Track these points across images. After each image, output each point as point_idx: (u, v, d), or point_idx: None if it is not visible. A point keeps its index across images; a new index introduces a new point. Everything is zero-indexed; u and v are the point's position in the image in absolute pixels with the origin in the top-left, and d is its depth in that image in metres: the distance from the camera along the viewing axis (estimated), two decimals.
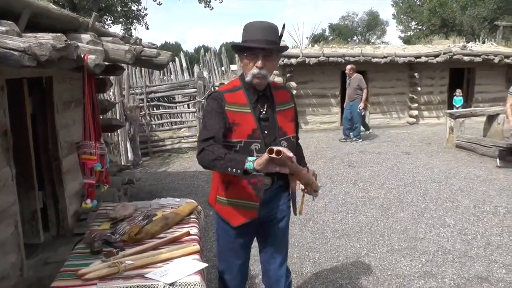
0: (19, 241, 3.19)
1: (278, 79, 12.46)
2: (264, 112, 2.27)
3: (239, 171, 1.97)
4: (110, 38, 3.57)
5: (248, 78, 2.22)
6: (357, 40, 43.45)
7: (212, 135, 2.14)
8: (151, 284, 1.95)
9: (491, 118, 9.95)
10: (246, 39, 2.18)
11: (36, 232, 3.90)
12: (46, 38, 2.13)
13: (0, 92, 3.01)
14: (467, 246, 4.43)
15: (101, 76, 4.99)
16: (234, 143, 2.22)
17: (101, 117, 5.14)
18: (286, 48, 2.32)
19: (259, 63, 2.14)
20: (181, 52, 14.49)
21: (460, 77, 14.68)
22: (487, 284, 3.65)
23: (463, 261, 4.08)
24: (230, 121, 2.21)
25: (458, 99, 13.72)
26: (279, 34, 2.22)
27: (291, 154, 1.88)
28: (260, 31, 2.16)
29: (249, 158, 1.96)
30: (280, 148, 1.83)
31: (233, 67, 16.51)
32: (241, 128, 2.21)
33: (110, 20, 22.47)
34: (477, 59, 13.04)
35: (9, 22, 2.10)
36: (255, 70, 2.16)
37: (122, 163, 8.92)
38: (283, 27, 2.25)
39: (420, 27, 34.95)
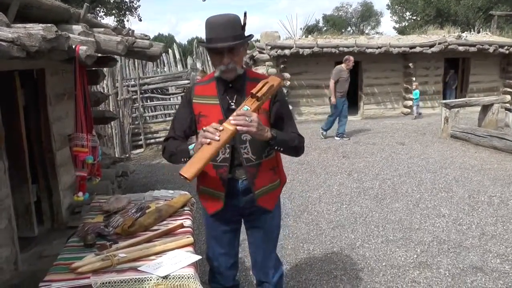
0: (13, 234, 3.17)
1: (272, 70, 12.43)
2: (232, 104, 2.25)
3: (187, 159, 2.15)
4: (102, 29, 3.53)
5: (217, 74, 2.24)
6: (351, 31, 43.30)
7: (172, 135, 2.37)
8: (145, 277, 1.94)
9: (485, 108, 9.99)
10: (209, 37, 2.16)
11: (30, 225, 3.88)
12: (36, 29, 2.09)
13: None
14: (462, 236, 4.44)
15: (93, 68, 4.95)
16: None
17: (94, 109, 5.10)
18: (250, 37, 2.26)
19: (224, 60, 2.14)
20: (175, 43, 14.39)
21: (455, 67, 14.71)
22: (482, 273, 3.67)
23: (458, 251, 4.10)
24: (196, 113, 2.31)
25: (415, 92, 12.84)
26: (242, 23, 2.18)
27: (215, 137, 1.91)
28: (222, 28, 2.12)
29: (190, 147, 2.14)
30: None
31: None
32: (208, 119, 2.23)
33: (102, 12, 22.27)
34: (472, 49, 13.04)
35: None
36: (222, 67, 2.17)
37: (116, 155, 8.90)
38: (245, 16, 2.20)
39: (414, 18, 34.90)
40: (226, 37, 2.10)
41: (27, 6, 2.60)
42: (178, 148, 2.24)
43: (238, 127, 1.93)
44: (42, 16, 2.85)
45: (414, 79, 13.26)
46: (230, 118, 1.96)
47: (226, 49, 2.12)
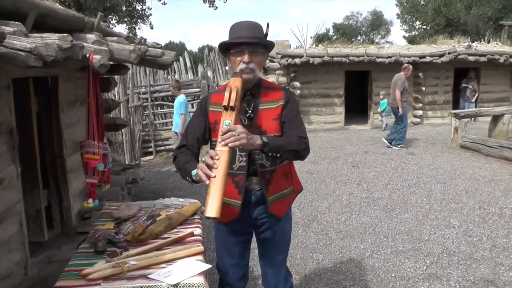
0: (23, 239, 3.20)
1: (282, 79, 12.46)
2: (249, 111, 2.28)
3: (190, 179, 2.14)
4: (115, 38, 3.58)
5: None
6: (361, 40, 43.20)
7: (184, 143, 2.37)
8: (155, 285, 1.95)
9: (496, 118, 9.92)
10: (231, 38, 2.23)
11: (40, 230, 3.91)
12: (52, 39, 2.13)
13: (6, 91, 3.02)
14: (472, 248, 4.40)
15: (105, 76, 5.00)
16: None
17: (105, 116, 5.14)
18: (271, 43, 2.31)
19: (245, 58, 2.18)
20: (185, 51, 14.52)
21: (465, 77, 14.63)
22: (494, 287, 3.63)
23: (468, 263, 4.06)
24: (212, 121, 2.31)
25: (382, 102, 12.48)
26: (264, 33, 2.26)
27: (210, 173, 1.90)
28: (245, 29, 2.21)
29: (193, 173, 2.07)
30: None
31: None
32: None
33: (115, 19, 22.51)
34: (482, 58, 12.96)
35: (16, 23, 2.11)
36: (242, 65, 2.19)
37: (126, 162, 8.94)
38: (267, 26, 2.28)
39: (424, 27, 34.78)
40: (249, 36, 2.18)
41: (44, 15, 2.65)
42: (184, 165, 2.21)
43: (230, 144, 1.92)
44: (58, 25, 2.91)
45: (382, 91, 12.74)
46: (218, 140, 1.96)
47: (248, 47, 2.17)
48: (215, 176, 1.87)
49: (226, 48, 2.27)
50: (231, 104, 2.02)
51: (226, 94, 2.05)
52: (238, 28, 2.23)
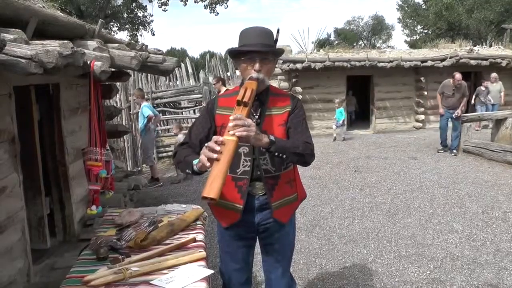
0: (26, 246, 3.20)
1: (284, 84, 12.47)
2: (256, 116, 2.27)
3: (190, 171, 2.12)
4: (116, 45, 3.59)
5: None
6: (363, 45, 43.25)
7: (187, 141, 2.35)
8: None
9: (499, 122, 9.89)
10: (242, 44, 2.22)
11: (42, 237, 3.91)
12: (53, 46, 2.14)
13: (8, 99, 3.03)
14: (476, 252, 4.38)
15: (107, 82, 5.01)
16: None
17: (107, 123, 5.16)
18: (281, 51, 2.32)
19: (256, 66, 2.17)
20: (187, 57, 14.57)
21: (466, 80, 14.60)
22: None
23: (472, 268, 4.04)
24: (218, 124, 2.30)
25: (338, 111, 11.79)
26: (274, 39, 2.25)
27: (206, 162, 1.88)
28: (256, 36, 2.20)
29: (194, 162, 2.05)
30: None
31: (239, 72, 16.54)
32: None
33: (116, 26, 22.67)
34: (484, 62, 12.93)
35: (17, 30, 2.12)
36: (254, 74, 2.18)
37: (128, 169, 8.95)
38: (278, 32, 2.27)
39: (426, 31, 34.80)
40: (260, 43, 2.17)
41: (45, 23, 2.66)
42: (185, 158, 2.18)
43: (237, 133, 1.88)
44: (59, 32, 2.92)
45: (337, 99, 12.25)
46: (227, 129, 1.94)
47: (259, 55, 2.16)
48: (218, 160, 1.81)
49: (236, 54, 2.27)
50: (245, 99, 2.02)
51: (242, 91, 2.06)
52: (249, 35, 2.21)
